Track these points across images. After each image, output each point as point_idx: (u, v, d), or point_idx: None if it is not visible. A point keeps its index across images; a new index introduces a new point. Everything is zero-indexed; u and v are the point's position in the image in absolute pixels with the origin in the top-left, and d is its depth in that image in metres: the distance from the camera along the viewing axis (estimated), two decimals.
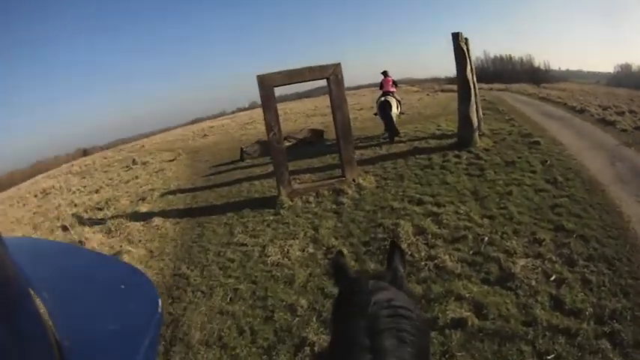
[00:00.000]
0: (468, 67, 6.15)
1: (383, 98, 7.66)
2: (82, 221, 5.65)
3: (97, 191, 8.39)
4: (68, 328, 0.48)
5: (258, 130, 14.29)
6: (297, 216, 4.39)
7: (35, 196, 12.37)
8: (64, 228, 5.49)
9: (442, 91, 26.29)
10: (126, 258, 3.89)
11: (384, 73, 8.24)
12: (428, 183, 4.78)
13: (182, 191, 6.55)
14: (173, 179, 7.82)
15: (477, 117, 6.47)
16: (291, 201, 4.75)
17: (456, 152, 5.79)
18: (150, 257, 4.04)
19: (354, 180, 5.02)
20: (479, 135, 6.31)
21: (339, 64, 4.89)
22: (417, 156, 5.98)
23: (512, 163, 5.02)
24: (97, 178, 11.22)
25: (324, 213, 4.34)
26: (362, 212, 4.19)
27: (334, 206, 4.49)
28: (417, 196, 4.36)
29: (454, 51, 6.20)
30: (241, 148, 8.50)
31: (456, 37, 6.18)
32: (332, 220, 4.10)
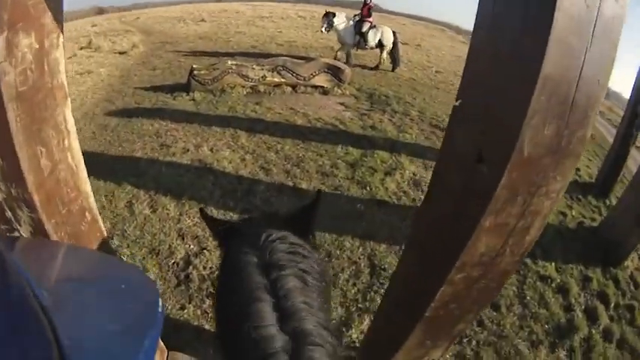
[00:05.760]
0: None
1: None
2: None
3: None
4: (68, 328, 0.45)
5: (267, 31, 10.85)
6: None
7: None
8: None
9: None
10: None
11: None
12: None
13: None
14: (88, 93, 4.84)
15: None
16: None
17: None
18: None
19: None
20: None
21: None
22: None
23: None
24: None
25: None
26: None
27: None
28: None
29: None
30: (191, 69, 4.74)
31: None
32: None
